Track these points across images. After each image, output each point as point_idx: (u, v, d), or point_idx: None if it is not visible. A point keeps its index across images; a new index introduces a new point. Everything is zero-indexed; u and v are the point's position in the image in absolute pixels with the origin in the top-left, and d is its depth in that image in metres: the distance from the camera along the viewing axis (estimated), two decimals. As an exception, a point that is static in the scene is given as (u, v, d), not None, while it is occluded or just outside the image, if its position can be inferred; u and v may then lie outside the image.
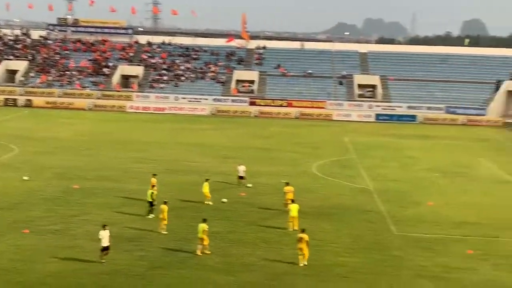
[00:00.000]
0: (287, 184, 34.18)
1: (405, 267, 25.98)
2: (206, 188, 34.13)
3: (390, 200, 36.28)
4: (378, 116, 73.83)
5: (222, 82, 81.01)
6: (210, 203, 33.81)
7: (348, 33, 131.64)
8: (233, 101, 77.09)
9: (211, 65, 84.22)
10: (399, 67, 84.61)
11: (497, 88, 78.64)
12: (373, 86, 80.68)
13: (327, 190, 38.48)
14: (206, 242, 26.68)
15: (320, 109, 75.28)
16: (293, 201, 30.90)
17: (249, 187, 37.88)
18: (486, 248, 28.46)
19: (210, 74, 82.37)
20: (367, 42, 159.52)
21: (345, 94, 79.50)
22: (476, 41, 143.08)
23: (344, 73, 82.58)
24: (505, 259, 27.21)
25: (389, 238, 29.62)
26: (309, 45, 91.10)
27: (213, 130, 62.44)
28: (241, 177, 38.52)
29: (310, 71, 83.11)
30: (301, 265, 25.68)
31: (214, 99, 77.09)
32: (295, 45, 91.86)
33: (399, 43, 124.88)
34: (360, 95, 79.53)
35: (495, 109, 76.19)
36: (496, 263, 26.64)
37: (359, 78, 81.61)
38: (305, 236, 25.96)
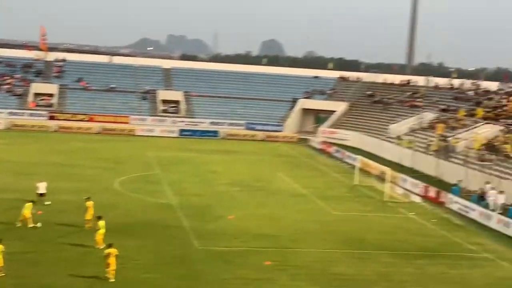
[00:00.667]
0: (88, 199, 33.28)
1: (207, 281, 26.38)
2: (27, 209, 32.10)
3: (193, 214, 36.71)
4: (181, 131, 74.53)
5: (18, 95, 77.03)
6: (38, 224, 31.91)
7: (151, 48, 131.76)
8: (30, 115, 73.59)
9: (6, 77, 79.77)
10: (202, 84, 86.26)
11: (293, 106, 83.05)
12: (177, 102, 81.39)
13: (130, 206, 38.02)
14: (0, 264, 25.12)
15: (123, 124, 74.34)
16: (99, 218, 30.16)
17: (48, 204, 36.29)
18: (283, 259, 29.75)
19: (5, 87, 77.96)
20: (171, 58, 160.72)
21: (149, 109, 79.33)
22: (274, 61, 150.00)
23: (148, 88, 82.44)
24: (301, 269, 28.60)
25: (192, 252, 29.93)
26: (113, 59, 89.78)
27: (8, 145, 59.09)
28: (41, 194, 36.76)
29: (113, 86, 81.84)
30: (111, 281, 25.11)
31: (10, 113, 73.05)
32: (98, 58, 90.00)
33: (202, 60, 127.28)
34: (164, 111, 79.82)
35: (291, 125, 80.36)
36: (293, 273, 27.89)
37: (163, 94, 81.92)
38: (113, 250, 25.51)
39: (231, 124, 78.29)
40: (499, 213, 39.61)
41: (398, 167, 54.22)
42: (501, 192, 42.50)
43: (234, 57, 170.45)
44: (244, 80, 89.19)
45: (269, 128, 78.79)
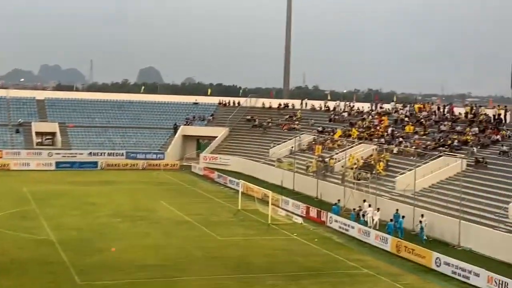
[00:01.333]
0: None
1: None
2: None
3: (73, 249, 35.48)
4: (58, 164, 72.13)
5: None
6: None
7: (23, 79, 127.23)
8: None
9: None
10: (79, 114, 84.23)
11: (174, 133, 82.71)
12: (53, 134, 78.84)
13: (5, 244, 36.20)
14: None
15: (-5, 159, 70.94)
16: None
17: None
18: (169, 288, 29.32)
19: None
20: (44, 88, 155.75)
21: (23, 143, 76.30)
22: (152, 88, 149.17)
23: (21, 120, 79.35)
24: (187, 297, 28.25)
25: (74, 288, 28.88)
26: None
27: None
28: None
29: (-17, 119, 78.12)
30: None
31: None
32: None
33: (78, 90, 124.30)
34: (39, 143, 77.05)
35: (172, 153, 79.91)
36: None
37: (37, 126, 79.14)
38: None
39: (110, 154, 76.80)
40: (376, 230, 41.06)
41: (280, 190, 55.10)
42: (377, 209, 44.12)
43: (111, 86, 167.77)
44: (122, 109, 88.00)
45: (150, 156, 77.99)
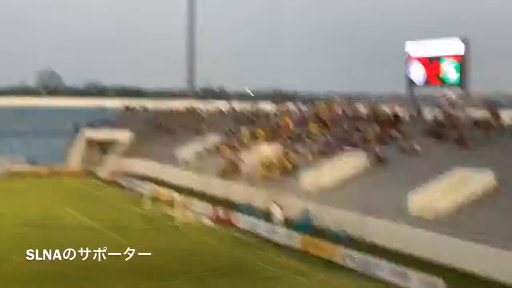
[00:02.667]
0: None
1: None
2: None
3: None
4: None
5: None
6: None
7: None
8: None
9: None
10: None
11: (77, 137, 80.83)
12: None
13: None
14: None
15: None
16: None
17: None
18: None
19: None
20: None
21: None
22: (54, 92, 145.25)
23: None
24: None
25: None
26: None
27: None
28: None
29: None
30: None
31: None
32: None
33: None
34: None
35: (76, 158, 78.12)
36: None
37: None
38: None
39: (12, 162, 74.42)
40: (283, 227, 41.83)
41: (189, 192, 55.01)
42: (281, 208, 44.84)
43: (8, 90, 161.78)
44: (21, 114, 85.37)
45: (54, 162, 75.96)
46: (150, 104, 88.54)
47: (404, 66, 55.87)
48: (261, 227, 42.47)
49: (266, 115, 71.27)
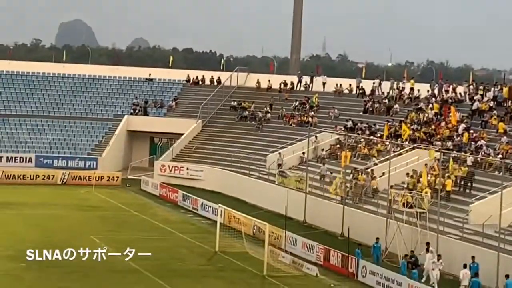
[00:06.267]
0: None
1: None
2: None
3: None
4: None
5: None
6: None
7: None
8: None
9: None
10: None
11: (114, 127, 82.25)
12: None
13: None
14: None
15: None
16: None
17: None
18: None
19: None
20: None
21: None
22: (80, 55, 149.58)
23: None
24: None
25: None
26: None
27: None
28: None
29: None
30: None
31: None
32: None
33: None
34: None
35: (110, 159, 79.47)
36: None
37: None
38: None
39: (10, 160, 76.59)
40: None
41: (283, 220, 54.87)
42: (439, 256, 43.90)
43: (13, 50, 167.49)
44: (28, 87, 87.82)
45: (75, 163, 77.86)
46: (229, 78, 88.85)
47: None
48: (400, 286, 41.66)
49: (417, 103, 70.28)
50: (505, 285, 40.76)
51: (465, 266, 41.87)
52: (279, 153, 69.19)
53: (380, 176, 57.18)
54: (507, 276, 41.08)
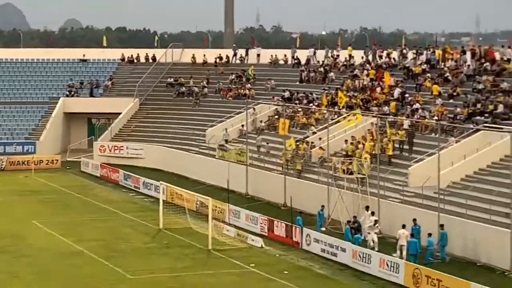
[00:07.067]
0: None
1: None
2: None
3: None
4: None
5: None
6: None
7: None
8: None
9: None
10: None
11: (50, 110, 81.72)
12: None
13: None
14: None
15: None
16: None
17: None
18: None
19: None
20: None
21: None
22: (12, 39, 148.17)
23: None
24: None
25: None
26: None
27: None
28: None
29: None
30: None
31: None
32: None
33: None
34: None
35: (49, 142, 78.98)
36: None
37: None
38: None
39: None
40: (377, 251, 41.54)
41: (225, 194, 55.02)
42: (376, 222, 44.38)
43: None
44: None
45: (13, 149, 77.45)
46: (163, 55, 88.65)
47: None
48: (345, 251, 42.01)
49: (351, 70, 70.70)
50: (428, 242, 41.70)
51: (403, 226, 42.49)
52: (225, 129, 69.16)
53: (320, 145, 57.50)
54: (429, 235, 42.00)
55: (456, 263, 41.21)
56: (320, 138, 58.28)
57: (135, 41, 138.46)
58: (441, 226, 42.19)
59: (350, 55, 75.19)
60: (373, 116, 55.65)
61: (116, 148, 75.62)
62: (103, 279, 39.43)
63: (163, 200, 52.70)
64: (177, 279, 39.53)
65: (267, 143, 63.13)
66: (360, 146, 54.03)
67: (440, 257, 41.60)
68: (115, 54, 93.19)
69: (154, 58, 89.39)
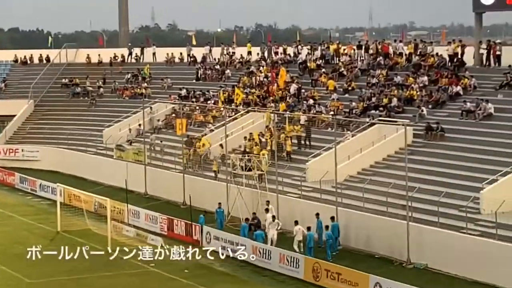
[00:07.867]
0: None
1: None
2: None
3: None
4: None
5: None
6: None
7: None
8: None
9: None
10: None
11: None
12: None
13: None
14: None
15: None
16: None
17: None
18: None
19: None
20: None
21: None
22: None
23: None
24: None
25: None
26: None
27: None
28: None
29: None
30: None
31: None
32: None
33: None
34: None
35: None
36: None
37: None
38: None
39: None
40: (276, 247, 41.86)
41: (124, 194, 54.79)
42: (273, 217, 44.70)
43: None
44: None
45: None
46: (57, 55, 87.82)
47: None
48: (245, 247, 42.18)
49: (247, 67, 70.93)
50: (326, 236, 42.35)
51: (296, 222, 42.94)
52: (129, 129, 68.47)
53: (219, 142, 57.61)
54: (327, 228, 42.65)
55: (355, 256, 41.82)
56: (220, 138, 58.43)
57: (29, 42, 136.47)
58: (332, 218, 42.80)
59: (249, 52, 75.37)
60: (271, 113, 56.00)
61: (11, 150, 74.60)
62: (1, 285, 38.99)
63: (61, 202, 52.36)
64: (78, 281, 39.31)
65: (161, 141, 63.16)
66: (258, 142, 54.32)
67: (324, 246, 42.13)
68: (7, 55, 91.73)
69: (48, 59, 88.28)
